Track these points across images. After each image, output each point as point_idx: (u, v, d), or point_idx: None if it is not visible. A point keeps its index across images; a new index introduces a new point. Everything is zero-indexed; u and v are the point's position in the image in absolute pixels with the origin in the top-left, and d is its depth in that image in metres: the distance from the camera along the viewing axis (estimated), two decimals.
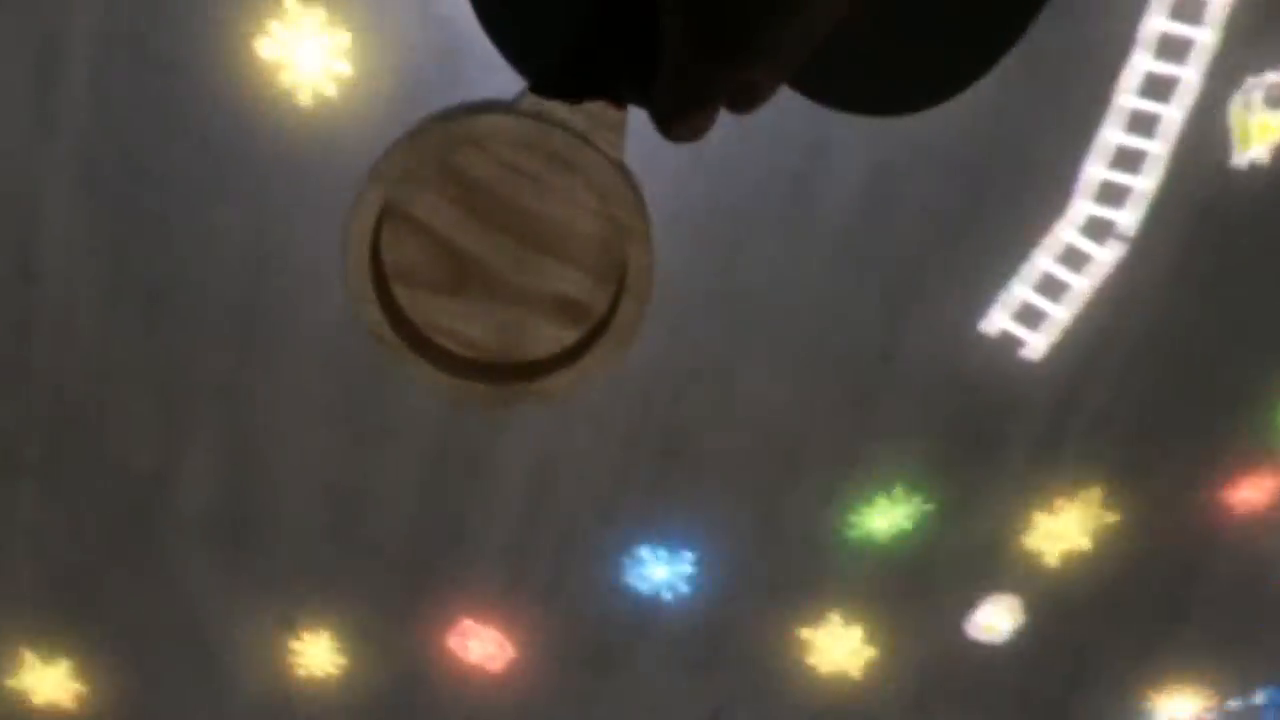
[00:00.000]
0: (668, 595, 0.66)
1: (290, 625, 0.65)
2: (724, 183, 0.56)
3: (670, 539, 0.65)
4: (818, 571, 0.66)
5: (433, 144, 0.51)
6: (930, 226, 0.58)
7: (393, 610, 0.66)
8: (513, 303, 0.55)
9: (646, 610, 0.67)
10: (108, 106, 0.52)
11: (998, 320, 0.60)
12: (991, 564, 0.67)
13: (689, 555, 0.65)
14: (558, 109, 0.50)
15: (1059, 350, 0.61)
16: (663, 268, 0.58)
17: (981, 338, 0.61)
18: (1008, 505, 0.65)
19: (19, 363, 0.58)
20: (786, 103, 0.54)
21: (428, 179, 0.51)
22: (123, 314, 0.57)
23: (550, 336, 0.55)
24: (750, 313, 0.60)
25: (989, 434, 0.63)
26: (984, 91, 0.54)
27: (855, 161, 0.56)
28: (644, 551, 0.65)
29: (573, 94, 0.49)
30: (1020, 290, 0.60)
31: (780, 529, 0.65)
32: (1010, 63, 0.54)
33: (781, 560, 0.66)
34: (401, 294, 0.53)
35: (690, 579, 0.66)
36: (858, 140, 0.56)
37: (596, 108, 0.50)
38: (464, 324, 0.54)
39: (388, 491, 0.62)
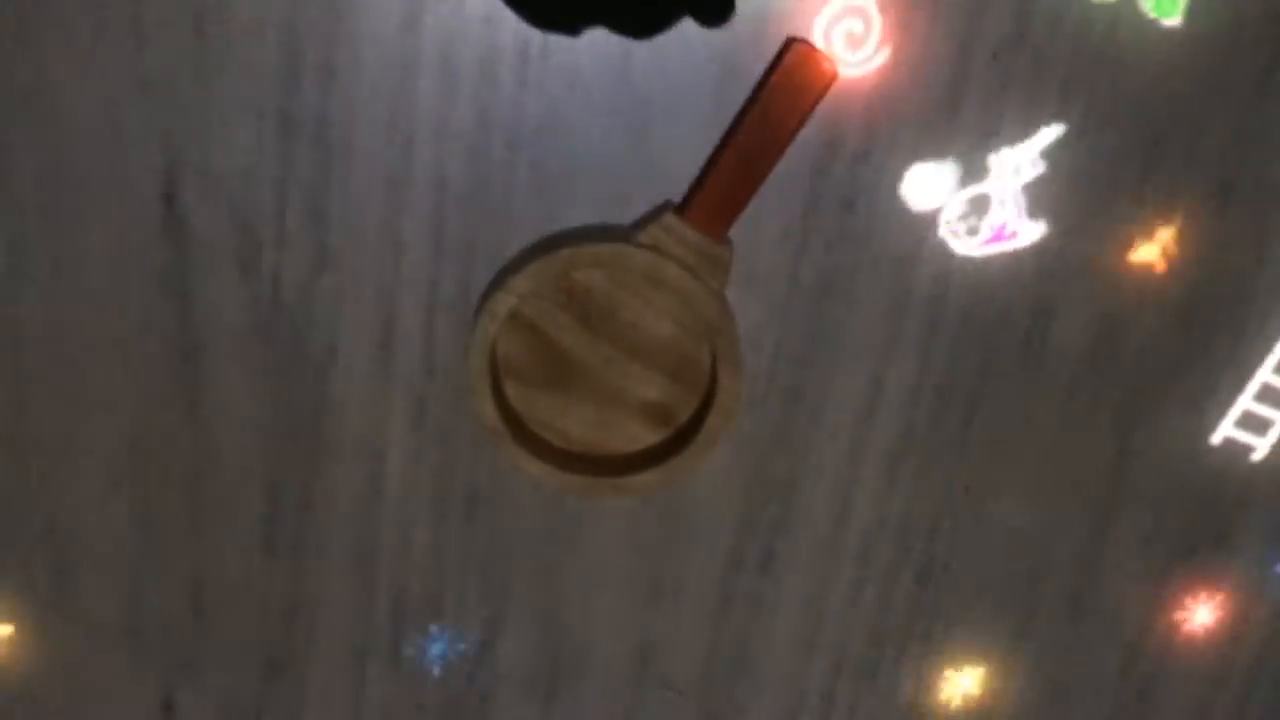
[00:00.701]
0: None
1: None
2: (962, 346, 0.63)
3: (930, 652, 0.72)
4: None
5: (561, 263, 0.59)
6: (1156, 361, 0.64)
7: None
8: (607, 403, 0.64)
9: None
10: (437, 358, 0.62)
11: (1225, 430, 0.66)
12: None
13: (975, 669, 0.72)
14: (673, 245, 0.58)
15: None
16: (912, 421, 0.66)
17: (1211, 448, 0.66)
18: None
19: (370, 577, 0.68)
20: (1012, 276, 0.60)
21: (549, 290, 0.60)
22: (450, 520, 0.67)
23: (637, 436, 0.65)
24: (990, 455, 0.66)
25: (1224, 528, 0.69)
26: (1201, 235, 0.60)
27: (1081, 316, 0.63)
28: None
29: (568, 27, 0.55)
30: (1245, 402, 0.65)
31: (1032, 633, 0.72)
32: (1217, 206, 0.60)
33: (1037, 667, 0.72)
34: (510, 388, 0.62)
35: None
36: (1083, 296, 0.62)
37: (708, 248, 0.58)
38: (562, 418, 0.64)
39: (681, 640, 0.71)
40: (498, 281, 0.60)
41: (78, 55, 0.56)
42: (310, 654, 0.70)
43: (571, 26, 0.55)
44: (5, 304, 0.61)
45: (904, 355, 0.64)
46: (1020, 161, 0.57)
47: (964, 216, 0.58)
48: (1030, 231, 0.59)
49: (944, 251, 0.61)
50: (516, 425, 0.62)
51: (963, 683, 0.72)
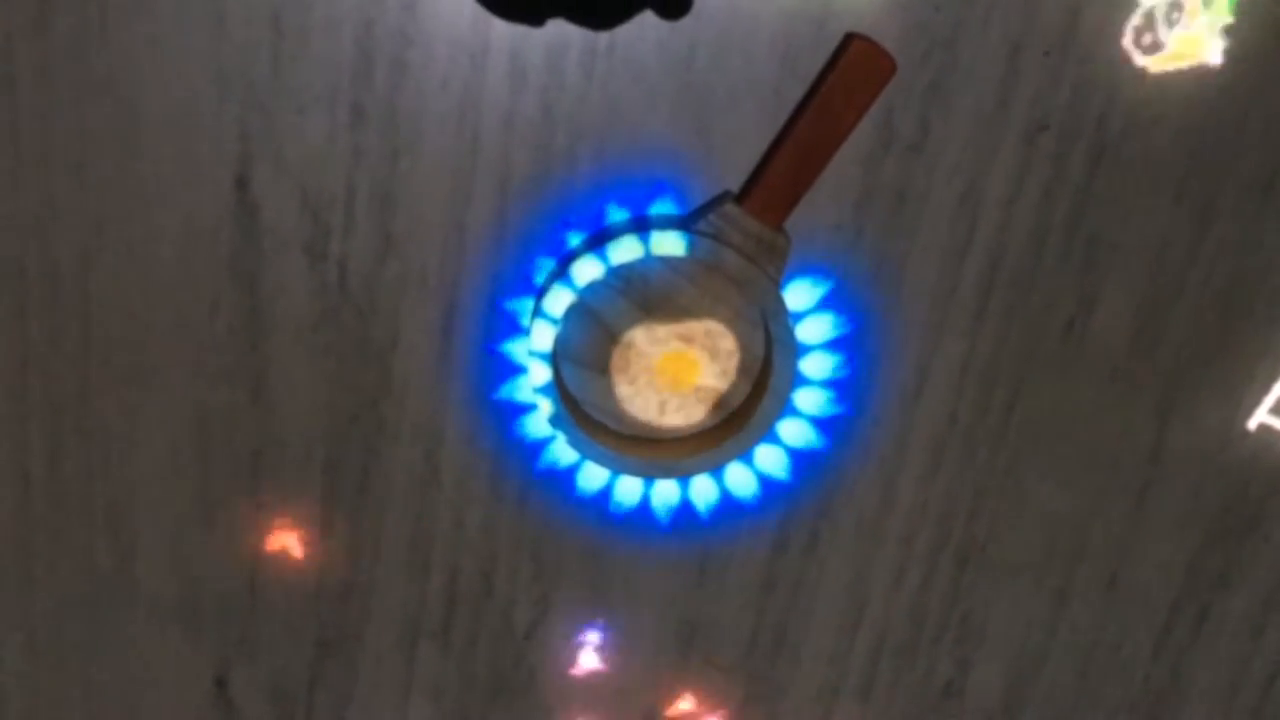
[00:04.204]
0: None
1: None
2: (1004, 334, 0.68)
3: (969, 632, 0.76)
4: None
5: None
6: (1193, 350, 0.68)
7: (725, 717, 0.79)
8: (663, 386, 0.68)
9: None
10: (496, 344, 0.67)
11: (1260, 417, 0.70)
12: None
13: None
14: (733, 233, 0.63)
15: None
16: (955, 407, 0.70)
17: (1246, 434, 0.71)
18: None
19: (423, 556, 0.72)
20: (1056, 261, 0.65)
21: (608, 278, 0.64)
22: (504, 503, 0.71)
23: (691, 419, 0.69)
24: (1031, 440, 0.71)
25: (1256, 512, 0.73)
26: (1240, 230, 0.65)
27: (1122, 306, 0.67)
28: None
29: (532, 18, 0.59)
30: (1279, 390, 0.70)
31: (1068, 614, 0.76)
32: (1257, 203, 0.64)
33: (1071, 647, 0.77)
34: (566, 370, 0.66)
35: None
36: (1123, 287, 0.67)
37: (767, 236, 0.62)
38: (616, 401, 0.68)
39: (726, 620, 0.75)
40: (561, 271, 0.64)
41: (157, 45, 0.60)
42: (362, 633, 0.75)
43: (535, 18, 0.58)
44: (77, 284, 0.65)
45: (949, 343, 0.68)
46: None
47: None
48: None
49: (992, 242, 0.65)
50: (573, 408, 0.66)
51: (999, 662, 0.77)
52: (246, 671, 0.76)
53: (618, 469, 0.67)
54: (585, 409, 0.67)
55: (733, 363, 0.66)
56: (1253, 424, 0.71)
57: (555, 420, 0.65)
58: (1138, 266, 0.66)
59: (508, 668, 0.76)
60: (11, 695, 0.76)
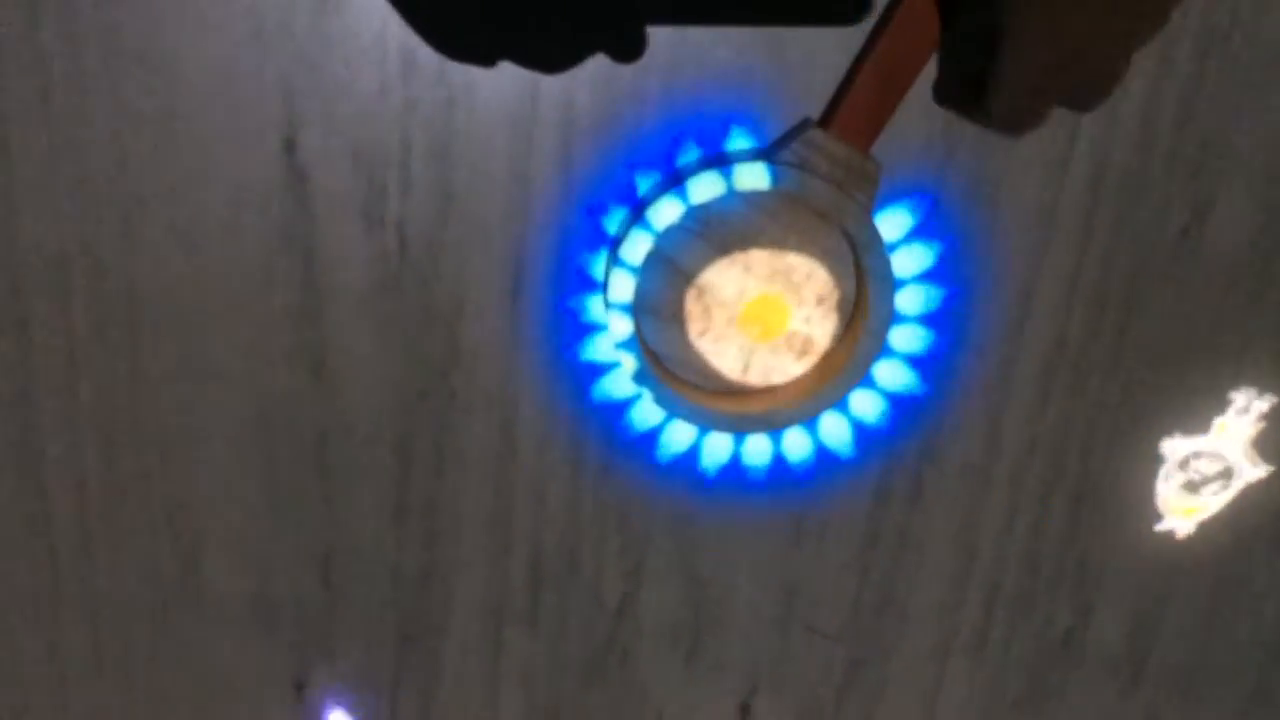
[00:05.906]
0: None
1: (747, 712, 0.76)
2: (1113, 250, 0.64)
3: (1087, 576, 0.73)
4: None
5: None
6: None
7: (831, 685, 0.75)
8: (751, 335, 0.64)
9: None
10: (568, 301, 0.63)
11: None
12: None
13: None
14: (820, 161, 0.59)
15: None
16: (1064, 332, 0.66)
17: None
18: None
19: (503, 535, 0.69)
20: (1165, 166, 0.61)
21: (685, 221, 0.61)
22: (586, 473, 0.68)
23: (780, 368, 0.65)
24: (1147, 364, 0.67)
25: None
26: None
27: (1238, 210, 0.63)
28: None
29: (483, 59, 0.58)
30: None
31: (1191, 549, 0.72)
32: None
33: (1194, 581, 0.73)
34: (645, 324, 0.63)
35: None
36: (1239, 189, 0.63)
37: (856, 161, 0.58)
38: (700, 354, 0.64)
39: (827, 581, 0.72)
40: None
41: (191, 9, 0.57)
42: (445, 622, 0.72)
43: (485, 58, 0.57)
44: (121, 270, 0.62)
45: (1054, 263, 0.64)
46: None
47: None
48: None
49: (1095, 150, 0.62)
50: (655, 364, 0.63)
51: (1121, 606, 0.73)
52: (326, 672, 0.73)
53: (707, 425, 0.64)
54: (667, 365, 0.64)
55: (824, 304, 0.63)
56: None
57: (639, 377, 0.62)
58: (1253, 166, 0.62)
59: (600, 648, 0.73)
60: (78, 710, 0.73)
